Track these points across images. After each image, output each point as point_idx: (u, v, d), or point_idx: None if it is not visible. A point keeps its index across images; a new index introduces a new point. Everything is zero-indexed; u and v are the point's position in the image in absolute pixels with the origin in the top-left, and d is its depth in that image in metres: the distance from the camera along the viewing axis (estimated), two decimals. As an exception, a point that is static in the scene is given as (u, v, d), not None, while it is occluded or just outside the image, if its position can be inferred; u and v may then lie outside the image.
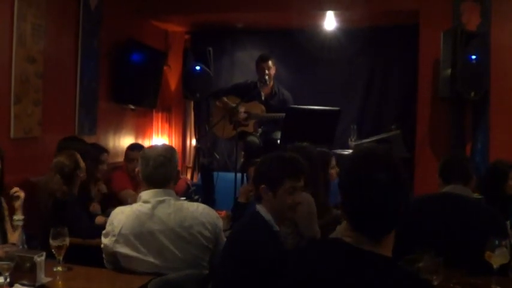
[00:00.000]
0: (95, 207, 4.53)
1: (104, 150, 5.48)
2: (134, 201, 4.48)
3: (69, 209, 4.16)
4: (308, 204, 3.77)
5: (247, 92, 6.60)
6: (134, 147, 5.66)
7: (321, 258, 1.90)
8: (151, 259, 3.04)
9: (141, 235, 3.04)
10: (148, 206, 3.11)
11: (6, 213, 3.77)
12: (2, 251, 2.82)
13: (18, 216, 3.67)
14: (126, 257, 3.07)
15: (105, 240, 3.14)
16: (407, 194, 1.89)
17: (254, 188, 3.02)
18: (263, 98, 6.75)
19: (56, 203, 4.16)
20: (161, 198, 3.13)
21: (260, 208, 2.89)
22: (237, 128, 6.48)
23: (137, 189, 5.34)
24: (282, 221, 3.02)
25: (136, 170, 3.36)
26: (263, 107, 6.66)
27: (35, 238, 3.88)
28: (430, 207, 3.50)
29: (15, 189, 3.74)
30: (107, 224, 3.17)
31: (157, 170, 3.17)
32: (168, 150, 3.28)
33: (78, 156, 4.40)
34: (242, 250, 2.76)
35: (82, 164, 4.39)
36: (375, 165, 1.85)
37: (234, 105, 6.48)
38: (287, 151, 3.88)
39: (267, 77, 6.64)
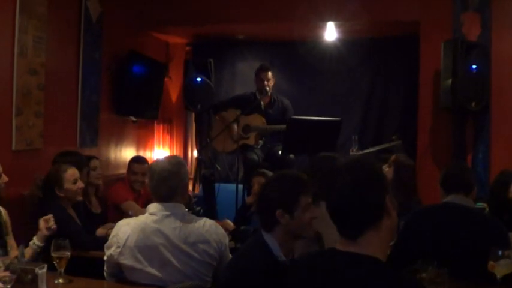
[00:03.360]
0: (101, 231, 4.48)
1: (92, 157, 5.38)
2: (135, 213, 4.50)
3: (66, 225, 4.13)
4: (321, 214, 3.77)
5: (247, 103, 6.62)
6: (138, 161, 5.65)
7: (312, 268, 1.99)
8: (154, 272, 3.02)
9: (145, 248, 3.02)
10: (154, 218, 3.08)
11: (8, 227, 3.76)
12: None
13: (37, 243, 3.64)
14: (130, 268, 3.05)
15: (109, 251, 3.12)
16: (379, 197, 1.94)
17: (261, 217, 2.93)
18: (263, 107, 6.77)
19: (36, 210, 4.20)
20: (168, 213, 3.09)
21: (268, 238, 2.82)
22: (238, 141, 6.49)
23: (139, 200, 5.35)
24: (294, 243, 2.99)
25: (146, 181, 3.36)
26: (263, 119, 6.68)
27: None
28: (431, 218, 3.49)
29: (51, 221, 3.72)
30: (111, 235, 3.15)
31: (161, 184, 3.13)
32: (174, 163, 3.22)
33: (66, 175, 4.27)
34: (241, 280, 2.74)
35: (67, 185, 4.24)
36: (341, 171, 1.99)
37: (233, 119, 6.51)
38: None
39: (267, 88, 6.66)
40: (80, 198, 4.42)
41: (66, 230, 4.00)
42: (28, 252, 3.60)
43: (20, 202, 4.70)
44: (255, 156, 6.54)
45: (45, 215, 4.08)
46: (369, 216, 1.93)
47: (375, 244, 1.91)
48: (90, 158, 5.29)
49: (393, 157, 5.03)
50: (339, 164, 2.04)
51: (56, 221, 3.93)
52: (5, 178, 3.85)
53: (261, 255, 2.79)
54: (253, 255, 2.83)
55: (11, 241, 3.74)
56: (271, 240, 2.81)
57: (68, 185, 4.24)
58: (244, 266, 2.79)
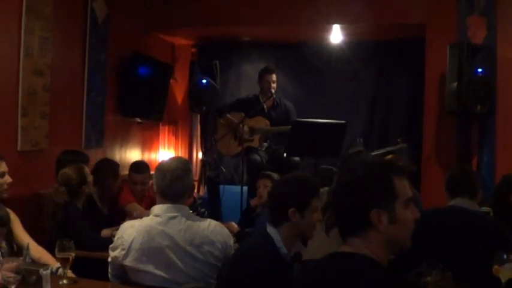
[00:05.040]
0: (106, 232, 4.50)
1: (118, 163, 5.49)
2: (140, 214, 4.50)
3: (72, 222, 4.17)
4: None
5: (250, 106, 6.62)
6: (138, 170, 5.42)
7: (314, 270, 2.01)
8: (159, 274, 3.01)
9: (150, 250, 3.00)
10: (159, 220, 3.05)
11: (18, 227, 3.76)
12: (11, 265, 2.81)
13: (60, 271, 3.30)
14: (135, 270, 3.04)
15: (114, 253, 3.10)
16: (361, 203, 1.90)
17: (272, 211, 3.03)
18: (266, 110, 6.77)
19: (59, 215, 4.20)
20: (173, 214, 3.06)
21: (272, 231, 2.94)
22: (242, 144, 6.48)
23: (142, 203, 5.33)
24: (296, 242, 3.08)
25: (151, 182, 3.27)
26: (267, 121, 6.67)
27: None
28: (436, 221, 3.49)
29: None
30: (116, 237, 3.13)
31: (174, 184, 3.09)
32: (185, 163, 3.21)
33: (86, 170, 4.44)
34: (243, 268, 2.83)
35: (90, 178, 4.43)
36: (341, 172, 2.03)
37: (237, 121, 6.50)
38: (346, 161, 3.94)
39: (273, 90, 6.65)
40: None
41: (72, 226, 4.06)
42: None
43: (25, 202, 4.72)
44: (258, 157, 6.52)
45: (74, 216, 4.15)
46: (347, 224, 1.92)
47: (364, 249, 1.89)
48: (117, 164, 5.47)
49: (390, 157, 5.05)
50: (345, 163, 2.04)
51: (66, 217, 4.03)
52: (8, 179, 3.85)
53: (263, 245, 2.92)
54: (256, 246, 2.98)
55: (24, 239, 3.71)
56: (274, 233, 2.94)
57: (89, 179, 4.45)
58: (247, 255, 2.92)
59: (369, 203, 1.88)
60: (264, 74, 6.80)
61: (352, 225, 1.91)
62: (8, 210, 3.71)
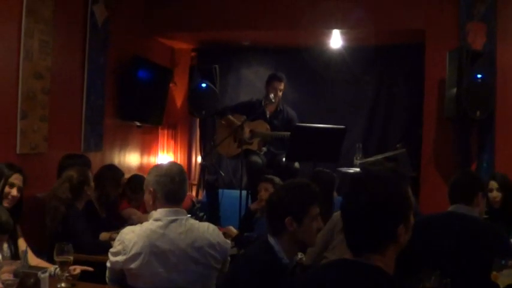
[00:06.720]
0: (104, 235, 4.50)
1: (122, 172, 5.44)
2: (138, 218, 4.50)
3: (72, 224, 4.18)
4: None
5: (252, 110, 6.61)
6: (135, 191, 5.39)
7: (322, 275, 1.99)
8: (160, 277, 3.00)
9: (151, 254, 2.99)
10: (160, 224, 3.05)
11: (20, 241, 3.75)
12: (10, 268, 2.81)
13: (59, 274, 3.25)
14: (136, 275, 3.02)
15: (114, 259, 3.06)
16: (392, 219, 1.88)
17: (270, 222, 3.01)
18: (268, 116, 6.76)
19: (61, 212, 4.21)
20: (173, 218, 3.07)
21: (273, 241, 2.92)
22: (241, 146, 6.47)
23: (139, 209, 5.32)
24: (298, 250, 3.09)
25: (152, 189, 3.20)
26: (268, 126, 6.66)
27: (41, 253, 3.87)
28: (434, 227, 3.48)
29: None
30: (117, 243, 3.08)
31: (182, 186, 3.14)
32: (180, 166, 3.28)
33: (90, 174, 4.48)
34: (246, 280, 2.82)
35: (91, 183, 4.46)
36: (357, 188, 1.94)
37: (239, 123, 6.49)
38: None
39: (277, 97, 6.64)
40: None
41: (71, 228, 4.06)
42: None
43: (24, 205, 4.70)
44: (259, 159, 6.51)
45: (74, 218, 4.13)
46: (370, 242, 1.89)
47: (380, 263, 1.88)
48: (121, 172, 5.40)
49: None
50: (361, 176, 2.00)
51: (71, 220, 4.04)
52: (15, 192, 3.85)
53: (265, 256, 2.89)
54: (258, 256, 2.94)
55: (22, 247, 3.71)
56: (276, 243, 2.91)
57: (91, 183, 4.53)
58: (249, 266, 2.89)
59: (397, 220, 1.87)
60: (272, 80, 6.77)
61: (376, 242, 1.89)
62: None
